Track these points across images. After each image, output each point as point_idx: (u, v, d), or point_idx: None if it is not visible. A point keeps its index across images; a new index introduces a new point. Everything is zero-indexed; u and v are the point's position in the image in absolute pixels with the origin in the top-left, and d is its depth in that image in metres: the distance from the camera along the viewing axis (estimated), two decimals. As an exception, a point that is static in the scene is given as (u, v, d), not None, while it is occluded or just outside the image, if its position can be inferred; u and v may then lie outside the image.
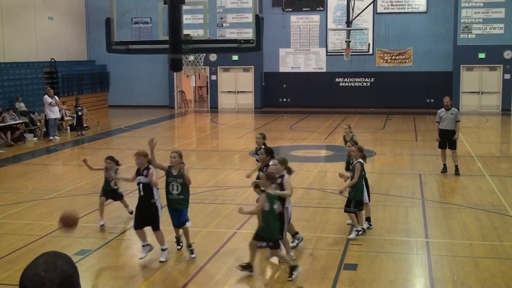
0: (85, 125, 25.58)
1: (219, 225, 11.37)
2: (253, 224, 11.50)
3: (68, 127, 25.66)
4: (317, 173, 16.12)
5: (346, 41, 28.69)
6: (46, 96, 23.47)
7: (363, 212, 10.97)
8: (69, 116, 26.14)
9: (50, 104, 23.10)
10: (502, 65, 31.47)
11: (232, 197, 13.51)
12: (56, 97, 23.89)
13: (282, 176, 9.17)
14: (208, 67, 33.20)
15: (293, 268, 8.70)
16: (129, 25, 33.96)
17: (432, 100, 32.80)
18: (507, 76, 31.52)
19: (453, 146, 15.90)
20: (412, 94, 32.84)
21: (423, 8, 32.57)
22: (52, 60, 29.93)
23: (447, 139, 15.87)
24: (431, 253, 9.71)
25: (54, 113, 23.19)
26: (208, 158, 19.14)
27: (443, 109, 15.97)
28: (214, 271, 9.03)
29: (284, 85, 34.40)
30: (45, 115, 23.75)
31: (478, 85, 31.72)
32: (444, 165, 16.00)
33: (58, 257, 2.53)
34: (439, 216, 11.85)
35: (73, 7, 34.02)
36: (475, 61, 31.67)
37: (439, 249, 9.92)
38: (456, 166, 15.87)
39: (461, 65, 31.88)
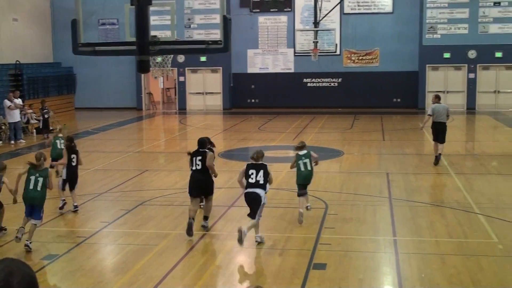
0: (51, 128, 25.27)
1: (189, 226, 11.34)
2: (223, 225, 11.51)
3: (34, 130, 25.34)
4: (286, 173, 16.16)
5: (313, 42, 28.86)
6: (5, 100, 23.11)
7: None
8: (35, 119, 25.81)
9: (9, 107, 22.73)
10: (466, 65, 31.99)
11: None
12: (17, 100, 23.41)
13: None
14: (176, 68, 33.10)
15: None
16: (96, 27, 33.64)
17: (398, 100, 33.21)
18: (472, 76, 32.05)
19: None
20: (379, 94, 33.17)
21: (389, 8, 32.92)
22: (17, 62, 29.51)
23: None
24: (398, 251, 9.82)
25: (12, 117, 22.76)
26: (177, 160, 19.07)
27: None
28: (183, 273, 9.02)
29: (253, 86, 34.45)
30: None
31: (444, 85, 32.20)
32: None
33: (17, 261, 2.52)
34: (406, 215, 12.00)
35: (38, 8, 33.59)
36: (440, 61, 32.15)
37: (407, 247, 10.04)
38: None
39: (427, 65, 32.33)
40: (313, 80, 34.02)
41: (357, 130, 25.49)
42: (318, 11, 28.82)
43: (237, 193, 13.89)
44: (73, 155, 12.45)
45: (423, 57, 32.23)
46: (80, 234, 11.04)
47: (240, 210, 12.52)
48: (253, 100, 34.67)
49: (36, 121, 25.66)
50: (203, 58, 33.63)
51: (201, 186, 10.98)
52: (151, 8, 7.05)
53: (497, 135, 24.26)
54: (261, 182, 10.06)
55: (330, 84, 33.93)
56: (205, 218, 11.07)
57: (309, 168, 11.59)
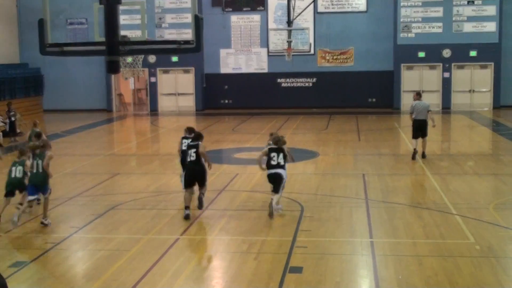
0: (18, 131, 24.95)
1: (161, 231, 11.29)
2: (197, 229, 11.47)
3: (1, 133, 24.97)
4: (261, 175, 16.14)
5: (287, 41, 28.92)
6: None
7: None
8: (2, 122, 25.45)
9: None
10: (441, 64, 32.33)
11: (174, 202, 13.41)
12: None
13: None
14: (147, 69, 32.89)
15: None
16: (64, 26, 33.32)
17: (373, 100, 33.44)
18: (446, 75, 32.40)
19: None
20: (354, 93, 33.36)
21: (363, 7, 33.14)
22: (-18, 63, 29.11)
23: None
24: (375, 253, 9.87)
25: None
26: (149, 163, 18.97)
27: None
28: (156, 278, 8.95)
29: (226, 87, 34.41)
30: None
31: (419, 84, 32.47)
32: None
33: None
34: (383, 216, 12.06)
35: (4, 7, 33.15)
36: (415, 60, 32.46)
37: (384, 249, 10.09)
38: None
39: (402, 64, 32.60)
40: (287, 80, 34.10)
41: (332, 130, 25.59)
42: (291, 10, 28.89)
43: (211, 196, 13.85)
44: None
45: (397, 56, 32.50)
46: (49, 240, 10.90)
47: (214, 213, 12.49)
48: (226, 101, 34.63)
49: (2, 124, 25.30)
50: (174, 59, 33.51)
51: (196, 175, 12.17)
52: (121, 7, 7.01)
53: (473, 135, 24.56)
54: (282, 163, 12.11)
55: (304, 84, 34.04)
56: (201, 204, 12.18)
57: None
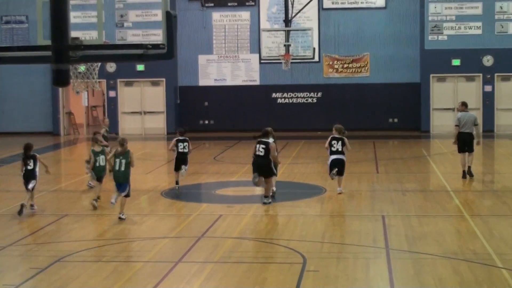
0: None
1: (123, 290, 11.21)
2: (169, 286, 11.39)
3: None
4: (251, 217, 16.12)
5: (284, 45, 29.04)
6: None
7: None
8: None
9: None
10: (481, 74, 32.49)
11: (139, 252, 13.34)
12: None
13: None
14: (104, 80, 32.96)
15: None
16: (-2, 26, 33.40)
17: (395, 120, 33.53)
18: (488, 88, 32.48)
19: None
20: (370, 112, 33.45)
21: (381, 2, 33.40)
22: None
23: None
24: (399, 318, 9.83)
25: None
26: (106, 201, 18.86)
27: None
28: None
29: (206, 103, 34.47)
30: None
31: (453, 100, 32.54)
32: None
33: None
34: (409, 270, 12.03)
35: None
36: (448, 70, 32.62)
37: (410, 313, 10.05)
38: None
39: (431, 75, 32.76)
40: (285, 95, 34.20)
41: (342, 159, 25.56)
42: (290, 5, 29.07)
43: (187, 244, 13.78)
44: (29, 160, 16.63)
45: (425, 65, 32.67)
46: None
47: (191, 266, 12.42)
48: (206, 122, 34.67)
49: None
50: (140, 67, 33.58)
51: (262, 169, 16.60)
52: (72, 2, 7.02)
53: (522, 165, 24.63)
54: (340, 149, 17.93)
55: (306, 100, 34.14)
56: (265, 197, 16.79)
57: None
